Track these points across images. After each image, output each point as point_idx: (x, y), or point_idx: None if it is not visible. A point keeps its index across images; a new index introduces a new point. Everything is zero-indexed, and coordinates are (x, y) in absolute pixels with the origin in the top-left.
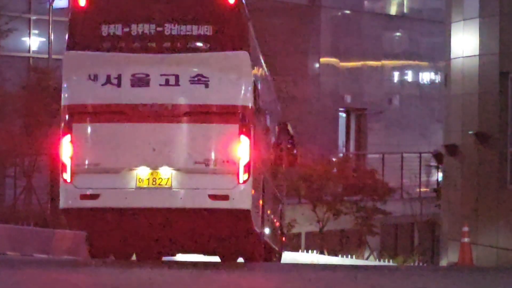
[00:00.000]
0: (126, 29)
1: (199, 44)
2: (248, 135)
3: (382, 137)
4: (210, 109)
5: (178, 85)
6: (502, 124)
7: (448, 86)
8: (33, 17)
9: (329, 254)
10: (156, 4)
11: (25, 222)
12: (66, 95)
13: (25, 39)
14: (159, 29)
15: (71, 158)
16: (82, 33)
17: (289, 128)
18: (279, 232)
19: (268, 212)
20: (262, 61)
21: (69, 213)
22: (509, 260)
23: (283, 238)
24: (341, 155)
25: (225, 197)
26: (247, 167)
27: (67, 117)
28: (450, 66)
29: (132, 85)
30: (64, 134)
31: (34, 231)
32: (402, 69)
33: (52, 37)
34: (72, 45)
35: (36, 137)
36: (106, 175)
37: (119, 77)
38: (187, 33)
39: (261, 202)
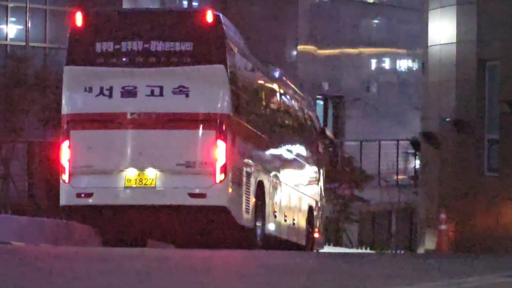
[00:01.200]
0: (117, 46)
1: (181, 58)
2: (224, 140)
3: (360, 124)
4: (190, 117)
5: (162, 95)
6: (479, 112)
7: (426, 73)
8: (11, 5)
9: None
10: (142, 23)
11: (2, 210)
12: (65, 105)
13: (2, 26)
14: (145, 45)
15: (69, 161)
16: (79, 50)
17: (327, 132)
18: (309, 229)
19: (275, 209)
20: (261, 73)
21: (68, 210)
22: (486, 247)
23: (315, 235)
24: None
25: (203, 195)
26: (223, 168)
27: (66, 124)
28: (427, 53)
29: (122, 96)
30: (63, 140)
31: (11, 218)
32: (379, 57)
33: (30, 25)
34: (70, 61)
35: (13, 124)
36: (98, 176)
37: (110, 89)
38: (171, 49)
39: (252, 199)
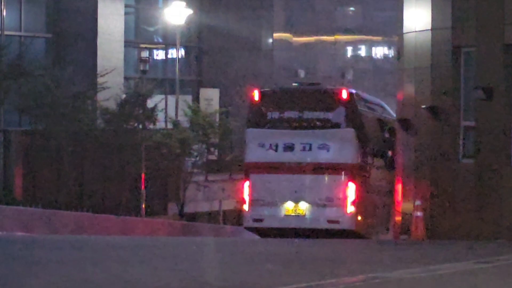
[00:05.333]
0: (281, 115)
1: (324, 123)
2: (354, 182)
3: None
4: (330, 166)
5: (311, 150)
6: (454, 98)
7: (401, 60)
8: None
9: None
10: (298, 99)
11: None
12: (247, 155)
13: None
14: (300, 114)
15: (249, 195)
16: (256, 117)
17: None
18: None
19: None
20: (386, 130)
21: (248, 229)
22: (461, 233)
23: None
24: None
25: (337, 222)
26: (353, 203)
27: (247, 169)
28: (402, 40)
29: (284, 150)
30: (245, 180)
31: None
32: (355, 44)
33: (5, 14)
34: (250, 124)
35: None
36: (267, 207)
37: (276, 145)
38: (317, 116)
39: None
